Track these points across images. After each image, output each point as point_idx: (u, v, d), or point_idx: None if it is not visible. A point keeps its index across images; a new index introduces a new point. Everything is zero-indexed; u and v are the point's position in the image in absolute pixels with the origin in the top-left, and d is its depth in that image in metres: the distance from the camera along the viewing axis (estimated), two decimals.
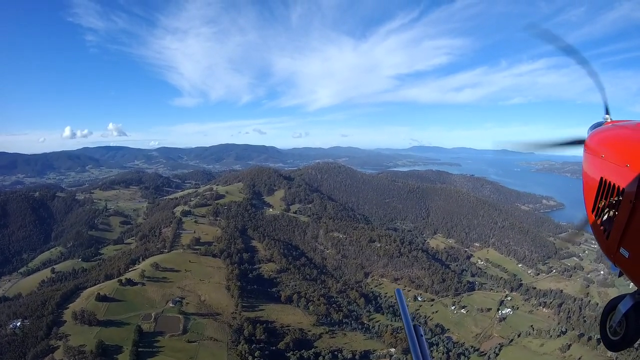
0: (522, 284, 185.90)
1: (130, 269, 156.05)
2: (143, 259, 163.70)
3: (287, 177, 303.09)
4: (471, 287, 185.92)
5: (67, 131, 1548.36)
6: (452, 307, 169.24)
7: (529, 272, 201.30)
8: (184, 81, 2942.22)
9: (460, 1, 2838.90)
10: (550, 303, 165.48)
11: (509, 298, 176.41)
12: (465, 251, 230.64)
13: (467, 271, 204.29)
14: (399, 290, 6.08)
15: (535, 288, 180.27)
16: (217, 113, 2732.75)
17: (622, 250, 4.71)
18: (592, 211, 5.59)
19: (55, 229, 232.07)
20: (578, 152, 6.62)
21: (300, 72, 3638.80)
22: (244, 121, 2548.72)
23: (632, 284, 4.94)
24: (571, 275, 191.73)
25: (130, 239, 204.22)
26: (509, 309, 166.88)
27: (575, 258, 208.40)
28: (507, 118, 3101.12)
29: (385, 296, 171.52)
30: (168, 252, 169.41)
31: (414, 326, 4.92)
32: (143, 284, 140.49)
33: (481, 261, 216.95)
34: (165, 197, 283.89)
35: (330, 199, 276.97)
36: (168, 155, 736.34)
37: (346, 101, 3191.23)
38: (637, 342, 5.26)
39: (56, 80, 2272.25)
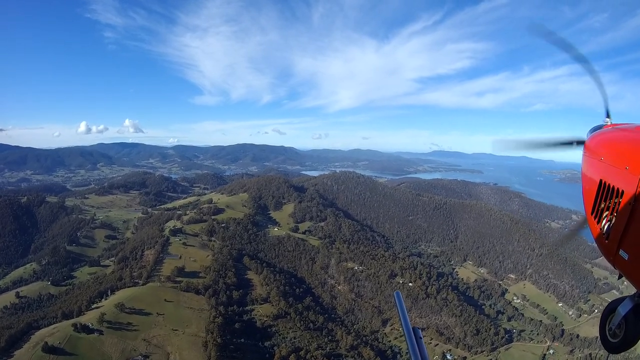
0: (564, 330, 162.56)
1: (93, 306, 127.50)
2: (112, 292, 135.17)
3: (298, 187, 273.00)
4: (509, 338, 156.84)
5: (82, 126, 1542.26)
6: None
7: (570, 313, 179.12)
8: (204, 79, 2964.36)
9: (484, 4, 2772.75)
10: (596, 356, 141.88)
11: (551, 351, 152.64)
12: (500, 285, 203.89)
13: (503, 314, 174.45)
14: (398, 293, 5.86)
15: (578, 336, 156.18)
16: (237, 112, 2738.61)
17: (621, 252, 4.74)
18: (592, 213, 5.56)
19: (36, 240, 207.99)
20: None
21: (321, 73, 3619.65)
22: (264, 121, 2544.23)
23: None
24: None
25: (110, 260, 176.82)
26: None
27: (615, 292, 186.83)
28: (528, 124, 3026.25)
29: (408, 354, 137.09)
30: (143, 284, 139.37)
31: (413, 328, 4.82)
32: (101, 333, 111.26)
33: (517, 299, 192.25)
34: (162, 206, 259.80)
35: (347, 216, 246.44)
36: (184, 153, 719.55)
37: (367, 103, 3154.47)
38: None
39: (74, 75, 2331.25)
